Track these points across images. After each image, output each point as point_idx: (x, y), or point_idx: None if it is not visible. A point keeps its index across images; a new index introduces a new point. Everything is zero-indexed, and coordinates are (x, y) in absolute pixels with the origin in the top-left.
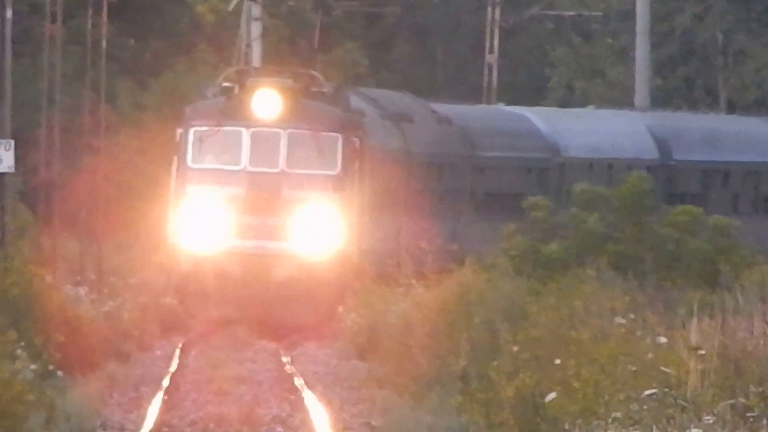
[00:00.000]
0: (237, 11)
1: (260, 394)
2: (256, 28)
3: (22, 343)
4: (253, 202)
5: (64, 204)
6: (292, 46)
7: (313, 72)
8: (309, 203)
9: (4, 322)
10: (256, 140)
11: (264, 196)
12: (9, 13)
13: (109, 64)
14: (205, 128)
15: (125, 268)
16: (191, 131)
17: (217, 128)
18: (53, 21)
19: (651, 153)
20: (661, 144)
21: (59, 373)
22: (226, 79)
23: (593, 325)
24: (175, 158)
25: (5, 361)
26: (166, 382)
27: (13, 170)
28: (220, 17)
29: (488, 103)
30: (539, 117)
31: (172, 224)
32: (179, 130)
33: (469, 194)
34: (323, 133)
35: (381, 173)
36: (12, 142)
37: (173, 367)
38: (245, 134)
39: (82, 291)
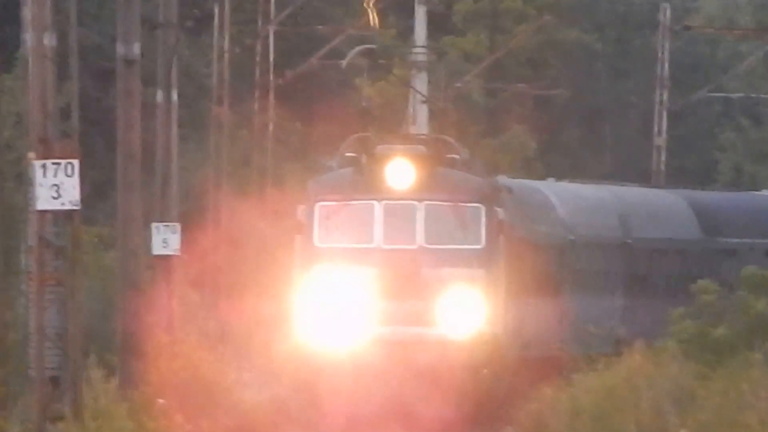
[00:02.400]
0: (404, 93)
1: None
2: (422, 111)
3: (189, 428)
4: (390, 282)
5: (230, 287)
6: (459, 129)
7: (445, 137)
8: (452, 282)
9: (171, 405)
10: (389, 214)
11: (401, 275)
12: (175, 96)
13: (276, 147)
14: (332, 203)
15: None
16: (317, 207)
17: (345, 202)
18: (220, 104)
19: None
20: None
21: None
22: (349, 149)
23: (762, 408)
24: (298, 238)
25: None
26: None
27: (178, 253)
28: (387, 99)
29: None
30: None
31: (296, 313)
32: (301, 207)
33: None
34: (464, 204)
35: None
36: (178, 225)
37: None
38: (377, 208)
39: (248, 375)
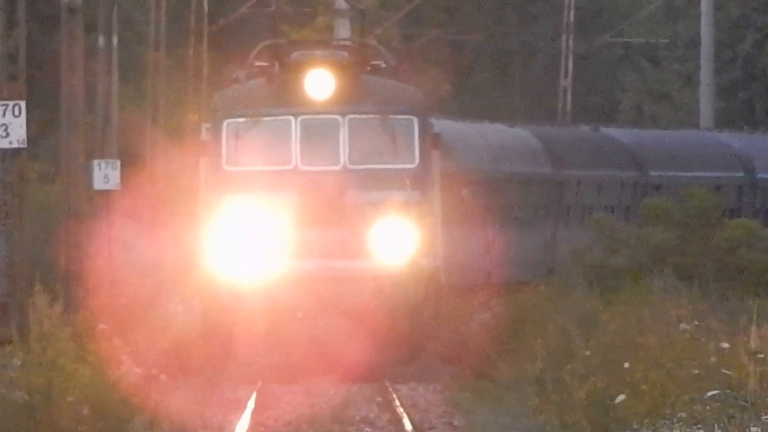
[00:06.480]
0: (328, 40)
1: (350, 396)
2: None
3: (127, 349)
4: (310, 210)
5: (167, 219)
6: None
7: (370, 41)
8: (382, 207)
9: (111, 329)
10: (308, 131)
11: (324, 201)
12: (115, 41)
13: (210, 91)
14: (242, 120)
15: None
16: (224, 124)
17: (257, 119)
18: (157, 49)
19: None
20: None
21: (162, 377)
22: (259, 57)
23: (660, 331)
24: (203, 161)
25: (111, 365)
26: (259, 385)
27: (118, 188)
28: None
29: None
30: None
31: (204, 246)
32: (206, 125)
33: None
34: (395, 117)
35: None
36: (118, 162)
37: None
38: (294, 124)
39: (180, 301)
